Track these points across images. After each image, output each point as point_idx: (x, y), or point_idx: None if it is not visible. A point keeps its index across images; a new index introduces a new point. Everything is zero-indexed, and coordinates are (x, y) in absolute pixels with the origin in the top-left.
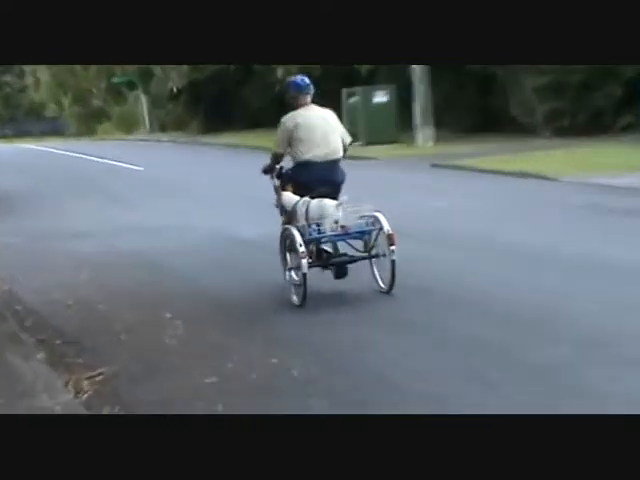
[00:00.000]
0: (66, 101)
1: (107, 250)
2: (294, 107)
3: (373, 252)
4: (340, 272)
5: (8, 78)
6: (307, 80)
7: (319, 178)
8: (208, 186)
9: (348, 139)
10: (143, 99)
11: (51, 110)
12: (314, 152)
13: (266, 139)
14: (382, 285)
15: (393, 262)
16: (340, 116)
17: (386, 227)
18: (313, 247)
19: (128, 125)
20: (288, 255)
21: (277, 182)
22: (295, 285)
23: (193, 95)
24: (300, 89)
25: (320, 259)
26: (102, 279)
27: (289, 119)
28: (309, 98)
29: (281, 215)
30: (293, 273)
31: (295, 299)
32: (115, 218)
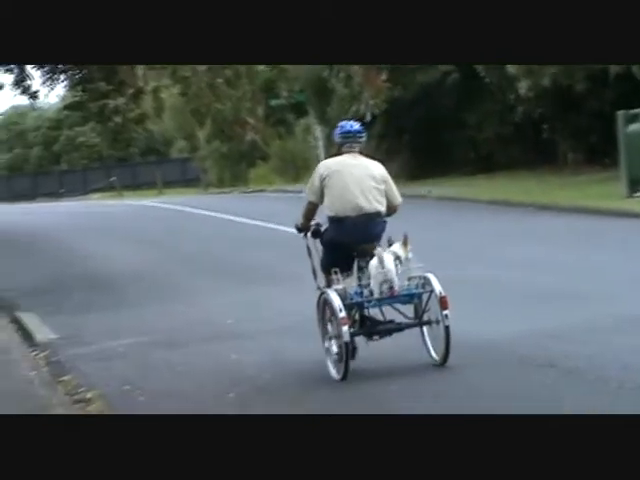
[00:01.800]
0: (202, 134)
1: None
2: (338, 153)
3: (424, 318)
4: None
5: (118, 101)
6: (358, 126)
7: (355, 234)
8: None
9: (398, 200)
10: (317, 130)
11: (178, 148)
12: (345, 205)
13: (508, 188)
14: (435, 356)
15: (447, 329)
16: (616, 148)
17: (438, 289)
18: (355, 313)
19: (294, 169)
20: (327, 324)
21: (310, 242)
22: (334, 357)
23: (393, 123)
24: (349, 134)
25: (363, 327)
26: None
27: (324, 165)
28: (356, 146)
29: (315, 279)
30: (333, 343)
31: (334, 372)
32: (278, 307)
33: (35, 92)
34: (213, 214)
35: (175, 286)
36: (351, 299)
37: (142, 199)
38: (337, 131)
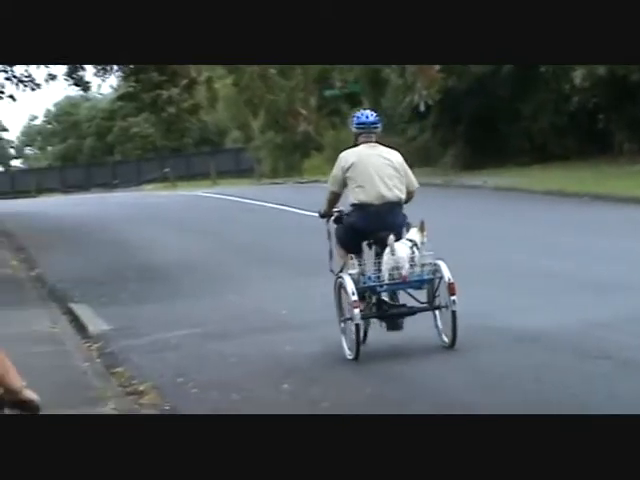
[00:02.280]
0: (256, 125)
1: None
2: (355, 143)
3: (435, 303)
4: (393, 324)
5: (171, 92)
6: (374, 116)
7: (376, 222)
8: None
9: (415, 185)
10: None
11: (232, 139)
12: (369, 193)
13: (563, 178)
14: (445, 339)
15: (454, 313)
16: None
17: (447, 276)
18: (373, 297)
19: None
20: (342, 306)
21: (332, 227)
22: (349, 337)
23: (448, 113)
24: (364, 125)
25: (380, 310)
26: None
27: (345, 157)
28: (374, 136)
29: (330, 261)
30: (347, 324)
31: (348, 352)
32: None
33: (88, 83)
34: (267, 204)
35: (229, 276)
36: (364, 283)
37: (196, 189)
38: (354, 121)
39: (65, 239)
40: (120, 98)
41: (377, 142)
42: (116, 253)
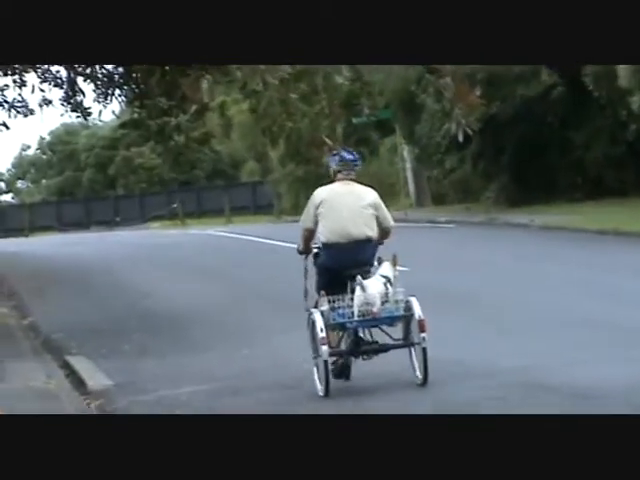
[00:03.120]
0: (275, 155)
1: None
2: (332, 180)
3: (408, 340)
4: (344, 371)
5: (180, 118)
6: (355, 155)
7: (344, 260)
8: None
9: (390, 223)
10: (405, 150)
11: (249, 171)
12: (335, 232)
13: (619, 215)
14: (418, 376)
15: (424, 350)
16: None
17: (417, 313)
18: (348, 334)
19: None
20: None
21: (309, 264)
22: (319, 374)
23: (490, 143)
24: (345, 163)
25: (358, 347)
26: None
27: (318, 193)
28: (352, 174)
29: (305, 299)
30: (319, 360)
31: (319, 389)
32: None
33: (87, 109)
34: (286, 244)
35: (242, 326)
36: (334, 319)
37: (208, 228)
38: (335, 159)
39: (61, 283)
40: (123, 126)
41: (354, 180)
42: (118, 299)
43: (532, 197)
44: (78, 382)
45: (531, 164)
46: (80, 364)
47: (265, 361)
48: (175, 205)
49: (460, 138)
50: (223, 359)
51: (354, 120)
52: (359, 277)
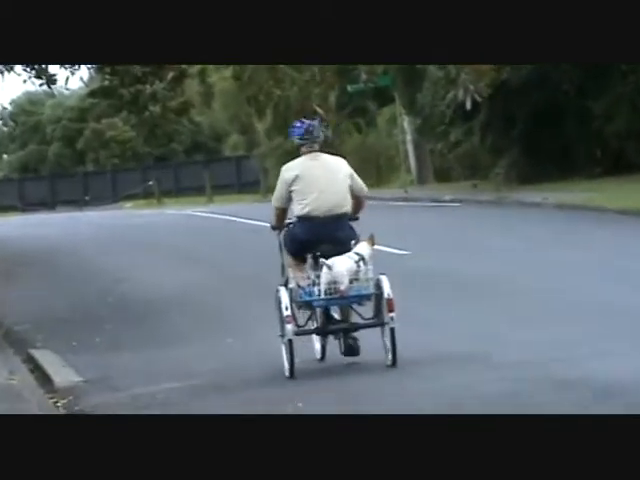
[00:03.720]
0: (261, 127)
1: None
2: (299, 154)
3: (378, 320)
4: (349, 348)
5: (156, 86)
6: (314, 124)
7: (320, 234)
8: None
9: (364, 191)
10: (405, 121)
11: (232, 145)
12: (313, 206)
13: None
14: (389, 356)
15: (392, 330)
16: None
17: (386, 291)
18: (319, 312)
19: (377, 169)
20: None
21: (283, 239)
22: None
23: (500, 113)
24: (303, 136)
25: (325, 326)
26: None
27: (288, 169)
28: (316, 145)
29: (282, 275)
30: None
31: (286, 368)
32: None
33: (53, 76)
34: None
35: (226, 315)
36: (300, 297)
37: (186, 208)
38: (293, 134)
39: (25, 268)
40: (92, 94)
41: (321, 151)
42: (88, 285)
43: (546, 173)
44: (44, 378)
45: (545, 136)
46: (46, 358)
47: (250, 352)
48: (151, 183)
49: (468, 106)
50: (204, 351)
51: (349, 88)
52: (322, 259)
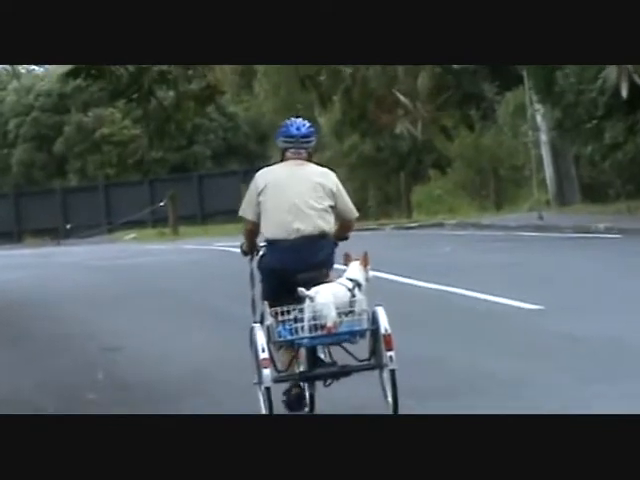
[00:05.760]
0: (327, 122)
1: None
2: (281, 159)
3: (373, 360)
4: (299, 401)
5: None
6: (305, 128)
7: (293, 261)
8: None
9: (353, 214)
10: (539, 116)
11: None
12: (280, 226)
13: None
14: (389, 401)
15: (392, 373)
16: None
17: (383, 326)
18: (303, 352)
19: (494, 186)
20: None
21: (255, 268)
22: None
23: None
24: (292, 138)
25: (311, 370)
26: None
27: (260, 176)
28: (303, 152)
29: (252, 312)
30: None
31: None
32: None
33: None
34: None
35: None
36: (279, 336)
37: (216, 240)
38: (281, 134)
39: None
40: (74, 73)
41: (309, 160)
42: (73, 359)
43: None
44: None
45: None
46: None
47: None
48: (162, 203)
49: (624, 93)
50: None
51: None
52: (300, 288)
